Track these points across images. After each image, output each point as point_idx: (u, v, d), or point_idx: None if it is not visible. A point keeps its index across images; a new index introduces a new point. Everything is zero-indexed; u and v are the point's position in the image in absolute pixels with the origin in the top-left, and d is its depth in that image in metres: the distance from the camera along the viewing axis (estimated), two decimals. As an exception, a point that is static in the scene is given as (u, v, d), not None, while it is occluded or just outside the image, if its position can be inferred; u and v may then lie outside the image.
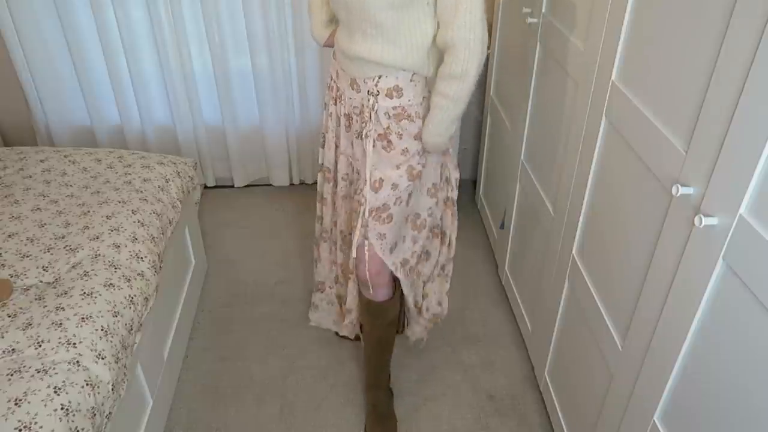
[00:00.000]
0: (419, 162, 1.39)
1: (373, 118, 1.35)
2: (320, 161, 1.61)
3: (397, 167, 1.37)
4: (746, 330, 0.84)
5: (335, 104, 1.48)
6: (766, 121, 0.75)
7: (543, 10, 1.68)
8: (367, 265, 1.43)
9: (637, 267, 1.15)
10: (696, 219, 0.88)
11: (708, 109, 0.89)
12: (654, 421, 1.09)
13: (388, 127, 1.35)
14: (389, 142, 1.36)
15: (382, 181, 1.37)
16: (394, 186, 1.38)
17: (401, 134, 1.35)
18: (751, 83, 0.78)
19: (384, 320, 1.56)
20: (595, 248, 1.36)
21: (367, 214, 1.39)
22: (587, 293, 1.39)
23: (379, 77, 1.31)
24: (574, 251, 1.47)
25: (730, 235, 0.84)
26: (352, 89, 1.37)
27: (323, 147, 1.58)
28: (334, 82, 1.46)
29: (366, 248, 1.42)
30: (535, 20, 1.74)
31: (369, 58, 1.28)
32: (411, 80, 1.32)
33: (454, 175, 1.52)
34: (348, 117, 1.43)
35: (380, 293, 1.50)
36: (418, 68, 1.30)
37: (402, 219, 1.46)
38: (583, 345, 1.44)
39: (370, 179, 1.37)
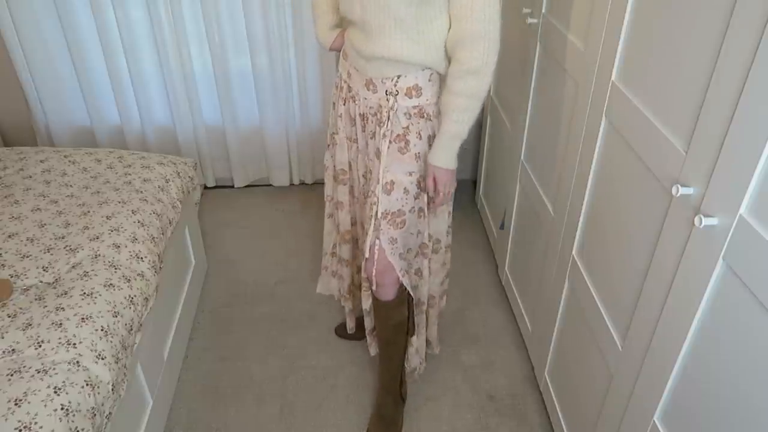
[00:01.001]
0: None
1: (391, 117, 1.33)
2: (327, 162, 1.58)
3: (409, 174, 1.37)
4: (746, 330, 0.84)
5: (345, 104, 1.46)
6: (766, 121, 0.75)
7: (543, 11, 1.68)
8: (375, 264, 1.44)
9: (637, 267, 1.15)
10: (696, 219, 0.88)
11: (708, 109, 0.89)
12: (654, 421, 1.09)
13: (407, 127, 1.34)
14: (406, 143, 1.35)
15: (393, 183, 1.37)
16: (406, 191, 1.38)
17: (420, 133, 1.35)
18: (751, 83, 0.78)
19: (389, 321, 1.56)
20: (595, 248, 1.36)
21: (379, 215, 1.39)
22: (587, 293, 1.39)
23: (398, 77, 1.30)
24: (574, 251, 1.47)
25: (730, 235, 0.84)
26: (368, 89, 1.36)
27: (329, 147, 1.56)
28: (345, 82, 1.44)
29: (377, 248, 1.42)
30: (535, 20, 1.74)
31: (389, 56, 1.26)
32: (429, 80, 1.32)
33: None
34: (363, 117, 1.42)
35: (383, 292, 1.50)
36: (437, 65, 1.30)
37: (414, 229, 1.46)
38: (583, 345, 1.44)
39: (382, 180, 1.37)
